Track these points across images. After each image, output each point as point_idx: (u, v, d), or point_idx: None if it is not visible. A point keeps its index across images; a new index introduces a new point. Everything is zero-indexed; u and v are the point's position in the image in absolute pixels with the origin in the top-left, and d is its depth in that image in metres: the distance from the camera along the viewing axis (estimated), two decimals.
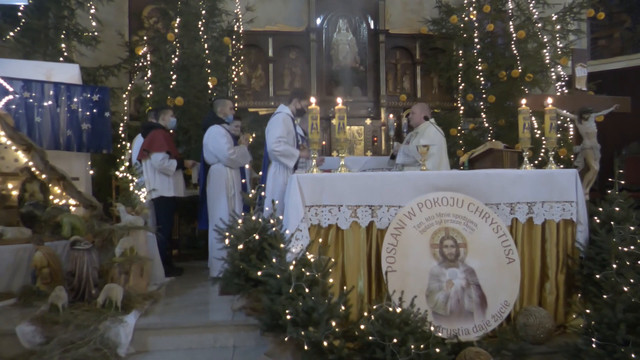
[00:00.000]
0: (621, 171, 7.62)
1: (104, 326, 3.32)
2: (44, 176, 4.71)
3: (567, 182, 3.60)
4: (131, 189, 4.45)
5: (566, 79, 6.73)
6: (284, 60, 7.46)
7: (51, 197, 4.74)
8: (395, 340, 2.76)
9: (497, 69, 7.07)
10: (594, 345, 2.88)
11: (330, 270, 3.09)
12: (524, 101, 3.97)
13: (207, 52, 6.38)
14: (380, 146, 7.44)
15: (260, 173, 5.00)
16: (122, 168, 4.52)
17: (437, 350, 2.81)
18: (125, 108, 6.83)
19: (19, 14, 5.94)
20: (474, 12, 7.30)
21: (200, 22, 6.49)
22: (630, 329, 2.81)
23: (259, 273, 3.09)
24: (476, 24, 7.31)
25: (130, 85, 7.00)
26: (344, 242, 3.37)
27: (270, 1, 7.76)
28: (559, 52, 6.96)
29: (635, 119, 6.64)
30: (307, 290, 2.86)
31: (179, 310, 3.80)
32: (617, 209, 3.66)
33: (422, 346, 2.78)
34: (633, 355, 2.72)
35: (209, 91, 6.39)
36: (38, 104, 5.24)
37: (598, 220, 3.66)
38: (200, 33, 6.47)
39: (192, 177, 5.56)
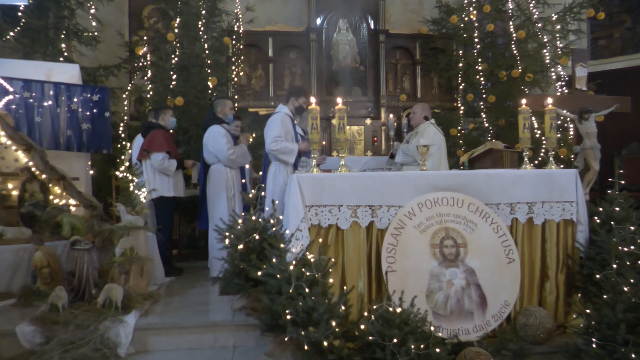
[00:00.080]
0: (621, 171, 7.63)
1: (104, 326, 3.32)
2: (44, 176, 4.72)
3: (567, 182, 3.60)
4: (131, 189, 4.45)
5: (566, 79, 6.73)
6: (284, 60, 7.46)
7: (51, 197, 4.74)
8: (395, 340, 2.76)
9: (497, 69, 7.07)
10: (594, 345, 2.88)
11: (330, 270, 3.09)
12: (524, 101, 3.97)
13: (207, 52, 6.39)
14: (380, 146, 7.44)
15: (260, 173, 4.99)
16: (122, 168, 4.53)
17: (437, 350, 2.81)
18: (125, 108, 6.83)
19: (19, 14, 5.95)
20: (474, 12, 7.31)
21: (200, 22, 6.49)
22: (630, 329, 2.81)
23: (259, 273, 3.09)
24: (476, 24, 7.31)
25: (130, 85, 7.00)
26: (344, 242, 3.37)
27: (270, 1, 7.76)
28: (559, 52, 6.96)
29: (635, 119, 6.65)
30: (307, 290, 2.86)
31: (179, 310, 3.80)
32: (617, 209, 3.66)
33: (422, 346, 2.78)
34: (633, 355, 2.72)
35: (209, 91, 6.39)
36: (38, 104, 5.24)
37: (598, 220, 3.66)
38: (200, 33, 6.48)
39: (192, 177, 5.56)
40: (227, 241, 3.58)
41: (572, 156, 5.34)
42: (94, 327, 3.29)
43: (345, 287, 3.23)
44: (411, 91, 7.70)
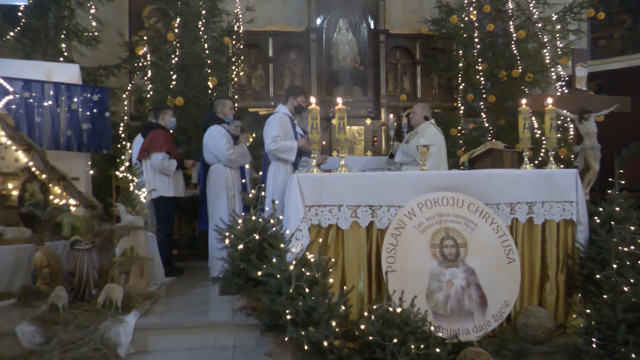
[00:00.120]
0: (621, 171, 7.63)
1: (104, 326, 3.32)
2: (44, 176, 4.71)
3: (567, 182, 3.60)
4: (131, 189, 4.45)
5: (566, 79, 6.73)
6: (284, 60, 7.46)
7: (51, 197, 4.74)
8: (395, 340, 2.76)
9: (497, 69, 7.07)
10: (594, 345, 2.87)
11: (330, 270, 3.09)
12: (524, 101, 3.97)
13: (207, 52, 6.39)
14: (380, 146, 7.44)
15: (260, 173, 5.00)
16: (122, 168, 4.52)
17: (437, 350, 2.81)
18: (125, 108, 6.83)
19: (19, 14, 5.95)
20: (474, 12, 7.31)
21: (200, 22, 6.49)
22: (630, 329, 2.81)
23: (259, 273, 3.09)
24: (476, 24, 7.32)
25: (130, 85, 7.00)
26: (344, 242, 3.37)
27: (270, 1, 7.76)
28: (559, 52, 6.96)
29: (635, 119, 6.65)
30: (307, 290, 2.86)
31: (179, 310, 3.80)
32: (617, 209, 3.66)
33: (422, 346, 2.78)
34: (633, 355, 2.72)
35: (209, 91, 6.40)
36: (38, 104, 5.24)
37: (598, 220, 3.66)
38: (200, 33, 6.48)
39: (192, 177, 5.56)
40: (227, 241, 3.58)
41: (572, 156, 5.33)
42: (94, 327, 3.29)
43: (345, 287, 3.23)
44: (411, 91, 7.70)
